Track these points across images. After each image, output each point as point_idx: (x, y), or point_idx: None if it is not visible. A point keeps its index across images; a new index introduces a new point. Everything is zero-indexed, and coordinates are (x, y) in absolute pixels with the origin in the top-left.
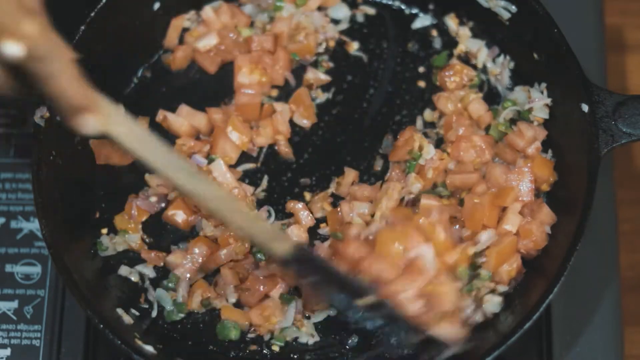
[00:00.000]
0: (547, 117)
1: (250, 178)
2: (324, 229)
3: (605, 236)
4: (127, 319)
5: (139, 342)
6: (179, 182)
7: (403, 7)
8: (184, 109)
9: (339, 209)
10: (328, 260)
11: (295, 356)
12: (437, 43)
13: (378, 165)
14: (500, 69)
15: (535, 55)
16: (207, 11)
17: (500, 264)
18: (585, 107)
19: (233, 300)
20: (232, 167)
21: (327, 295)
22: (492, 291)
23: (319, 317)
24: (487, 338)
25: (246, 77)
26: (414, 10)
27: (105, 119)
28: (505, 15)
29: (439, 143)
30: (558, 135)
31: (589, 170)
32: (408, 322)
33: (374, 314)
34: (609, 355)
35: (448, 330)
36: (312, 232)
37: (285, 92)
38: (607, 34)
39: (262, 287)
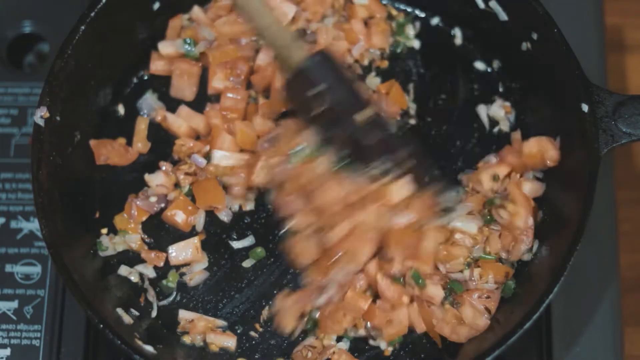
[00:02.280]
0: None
1: None
2: None
3: (605, 236)
4: (127, 319)
5: (139, 342)
6: None
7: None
8: (183, 109)
9: None
10: (341, 67)
11: None
12: None
13: None
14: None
15: (535, 55)
16: (196, 11)
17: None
18: (585, 107)
19: None
20: None
21: (326, 119)
22: None
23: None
24: (487, 338)
25: (221, 82)
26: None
27: None
28: (504, 16)
29: None
30: (558, 135)
31: (589, 170)
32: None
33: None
34: (609, 355)
35: None
36: None
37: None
38: (607, 34)
39: None
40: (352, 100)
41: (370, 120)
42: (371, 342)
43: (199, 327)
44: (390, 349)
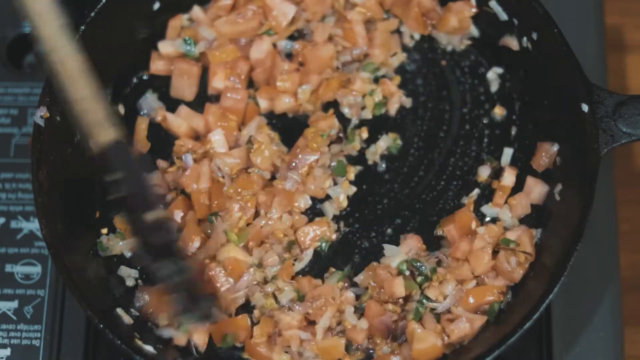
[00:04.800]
0: None
1: None
2: None
3: (605, 236)
4: (127, 319)
5: (139, 342)
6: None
7: None
8: (183, 109)
9: None
10: (140, 165)
11: None
12: None
13: None
14: None
15: (536, 56)
16: (196, 11)
17: None
18: (585, 107)
19: None
20: None
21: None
22: None
23: None
24: (487, 338)
25: (221, 82)
26: None
27: None
28: (504, 16)
29: None
30: (558, 135)
31: (589, 170)
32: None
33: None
34: (609, 355)
35: None
36: None
37: None
38: (607, 34)
39: None
40: (146, 197)
41: (159, 221)
42: None
43: None
44: None
